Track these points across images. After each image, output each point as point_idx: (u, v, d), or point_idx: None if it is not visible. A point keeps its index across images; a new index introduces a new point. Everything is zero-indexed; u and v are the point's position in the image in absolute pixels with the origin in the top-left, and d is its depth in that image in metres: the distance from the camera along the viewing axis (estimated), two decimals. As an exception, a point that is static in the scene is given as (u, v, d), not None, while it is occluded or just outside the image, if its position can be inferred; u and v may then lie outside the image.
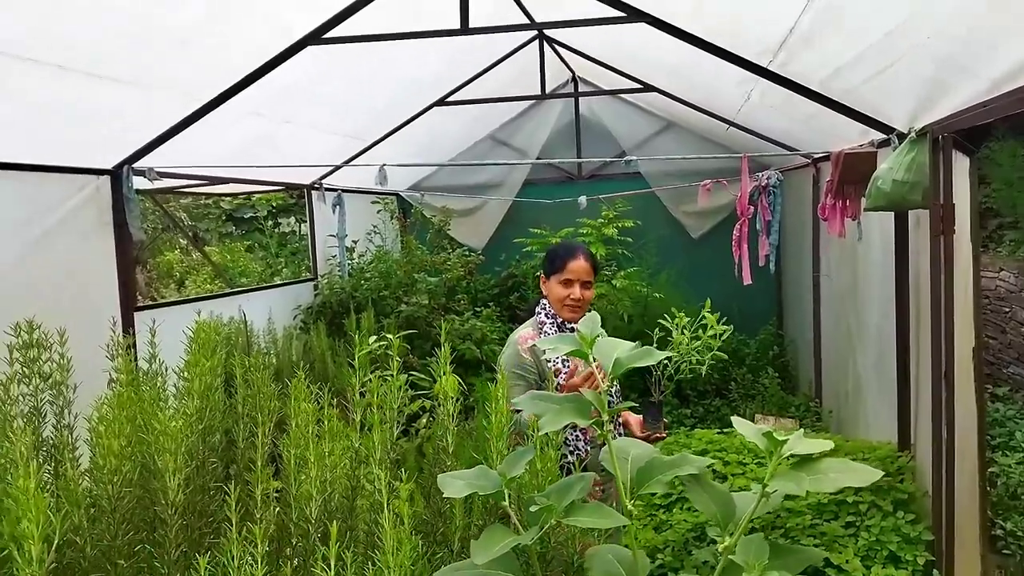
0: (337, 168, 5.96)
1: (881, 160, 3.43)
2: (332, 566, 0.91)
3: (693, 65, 4.48)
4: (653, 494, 2.72)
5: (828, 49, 3.16)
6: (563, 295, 2.82)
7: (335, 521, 0.96)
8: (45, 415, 1.42)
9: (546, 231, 7.00)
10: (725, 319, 2.45)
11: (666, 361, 2.01)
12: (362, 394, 1.41)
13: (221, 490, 1.27)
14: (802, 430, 1.09)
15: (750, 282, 5.14)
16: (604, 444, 2.72)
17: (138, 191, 4.13)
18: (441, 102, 5.94)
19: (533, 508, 1.07)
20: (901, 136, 3.27)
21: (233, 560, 0.98)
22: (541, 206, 7.14)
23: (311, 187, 6.16)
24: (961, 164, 3.19)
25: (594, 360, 2.34)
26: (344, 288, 5.99)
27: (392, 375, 1.60)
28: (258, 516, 1.14)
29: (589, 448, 2.68)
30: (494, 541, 1.07)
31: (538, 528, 1.06)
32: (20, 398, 1.25)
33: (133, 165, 4.03)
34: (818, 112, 3.71)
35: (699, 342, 2.32)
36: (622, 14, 3.56)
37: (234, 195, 9.77)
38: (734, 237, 5.08)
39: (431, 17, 3.76)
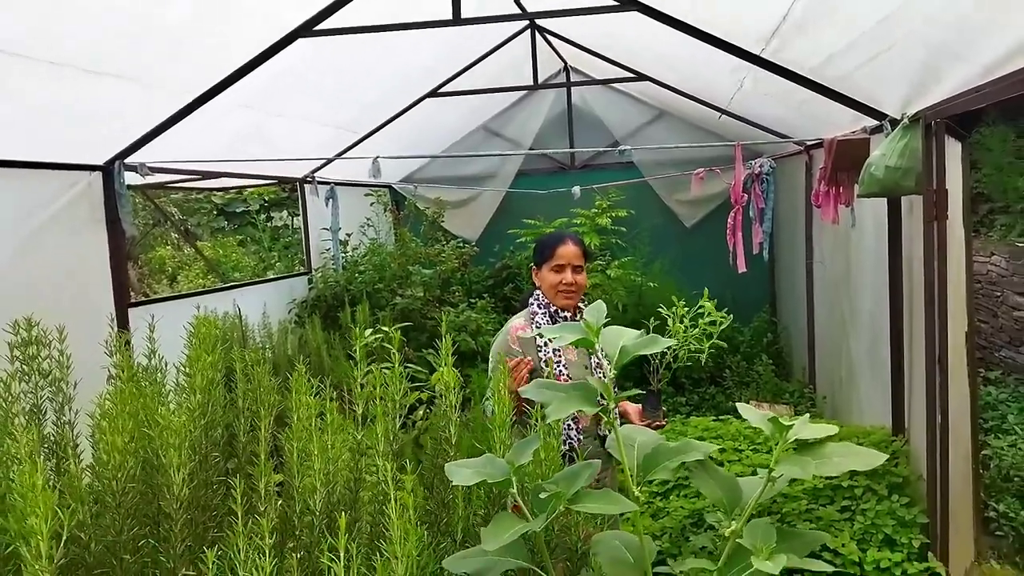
0: (329, 161, 5.94)
1: (874, 146, 3.45)
2: (341, 557, 0.92)
3: (685, 54, 4.48)
4: (651, 481, 2.74)
5: (821, 36, 3.16)
6: (555, 281, 2.83)
7: (343, 513, 0.96)
8: (45, 412, 1.42)
9: (540, 222, 7.00)
10: (720, 307, 2.46)
11: (664, 349, 2.01)
12: (362, 386, 1.41)
13: (224, 484, 1.27)
14: (807, 415, 1.10)
15: (745, 270, 5.16)
16: (597, 434, 2.75)
17: (129, 187, 4.11)
18: (433, 93, 5.92)
19: (542, 495, 1.08)
20: (893, 122, 3.29)
21: (240, 553, 0.99)
22: (534, 197, 7.14)
23: (304, 180, 6.14)
24: (953, 149, 3.21)
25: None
26: (338, 281, 5.98)
27: (392, 367, 1.60)
28: (263, 509, 1.14)
29: (582, 438, 2.69)
30: (504, 528, 1.07)
31: (546, 515, 1.07)
32: (21, 396, 1.24)
33: (124, 160, 4.00)
34: (810, 99, 3.72)
35: (696, 330, 2.32)
36: (614, 2, 3.56)
37: (225, 189, 9.72)
38: (728, 225, 5.09)
39: (422, 7, 3.75)
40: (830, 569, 1.13)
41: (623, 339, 1.20)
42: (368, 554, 1.08)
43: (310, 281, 6.23)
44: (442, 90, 5.94)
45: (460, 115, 7.09)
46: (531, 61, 5.66)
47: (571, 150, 7.20)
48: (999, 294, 6.46)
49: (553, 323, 2.85)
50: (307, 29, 3.64)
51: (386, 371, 1.46)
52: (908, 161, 3.06)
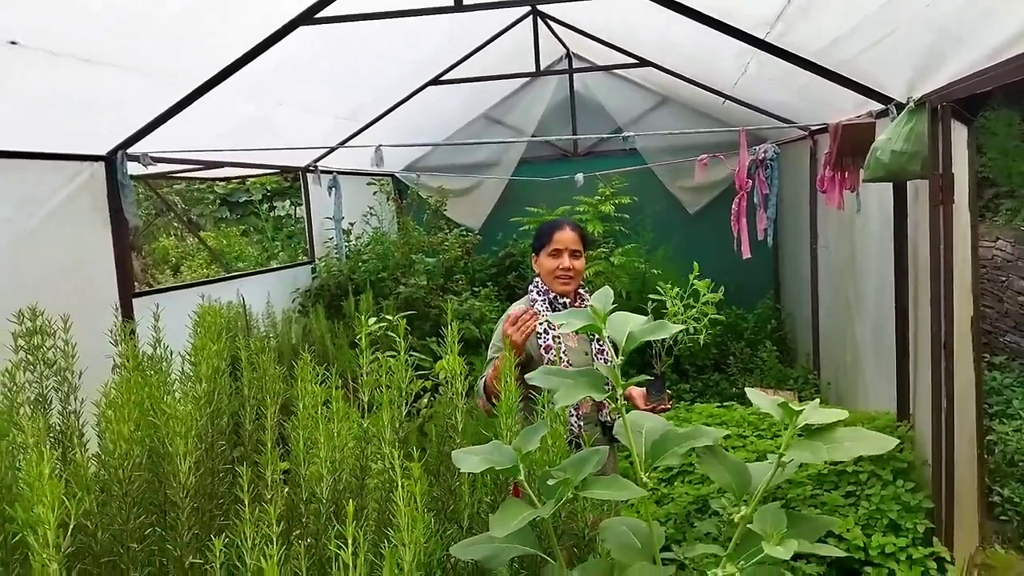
0: (332, 150, 5.93)
1: (879, 131, 3.42)
2: (349, 544, 0.92)
3: (689, 39, 4.45)
4: (656, 467, 2.74)
5: (825, 20, 3.13)
6: (553, 266, 2.83)
7: (350, 500, 0.96)
8: (51, 401, 1.42)
9: (543, 209, 6.98)
10: (723, 293, 2.46)
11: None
12: (366, 374, 1.41)
13: (230, 472, 1.27)
14: (817, 400, 1.10)
15: (749, 256, 5.14)
16: (598, 420, 2.75)
17: (132, 177, 4.11)
18: (435, 81, 5.89)
19: (550, 482, 1.08)
20: (899, 106, 3.26)
21: (247, 541, 0.99)
22: (537, 184, 7.11)
23: (306, 170, 6.13)
24: (959, 133, 3.18)
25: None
26: (342, 271, 5.98)
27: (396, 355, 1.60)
28: (269, 496, 1.14)
29: (582, 424, 2.69)
30: (512, 515, 1.07)
31: (555, 501, 1.07)
32: (26, 385, 1.24)
33: (127, 151, 3.99)
34: (814, 83, 3.69)
35: (693, 310, 2.32)
36: (617, -13, 3.53)
37: (228, 179, 9.71)
38: (733, 212, 5.07)
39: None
40: (840, 553, 1.13)
41: (630, 325, 1.19)
42: (376, 541, 1.09)
43: (314, 270, 6.23)
44: (444, 78, 5.91)
45: (462, 103, 7.05)
46: (533, 48, 5.63)
47: (574, 137, 7.17)
48: (1004, 279, 6.44)
49: (552, 309, 2.84)
50: (308, 17, 3.62)
51: (391, 359, 1.46)
52: (914, 145, 3.04)
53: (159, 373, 1.39)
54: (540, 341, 2.75)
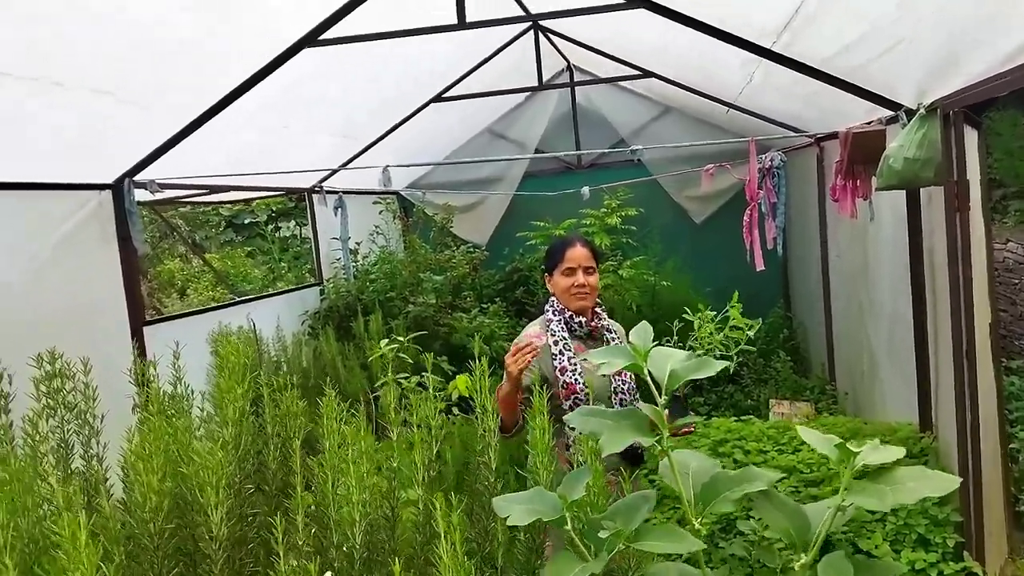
0: (334, 172, 5.92)
1: (890, 137, 3.39)
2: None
3: (692, 49, 4.43)
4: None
5: (833, 28, 3.11)
6: (567, 284, 2.81)
7: (396, 560, 0.93)
8: (72, 445, 1.39)
9: (548, 223, 6.96)
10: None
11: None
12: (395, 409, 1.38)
13: (257, 516, 1.24)
14: (877, 440, 1.06)
15: (763, 268, 5.09)
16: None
17: (137, 203, 4.09)
18: (438, 98, 5.88)
19: (603, 534, 1.04)
20: (909, 112, 3.23)
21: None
22: (542, 198, 7.09)
23: (312, 191, 6.12)
24: (970, 138, 3.15)
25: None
26: (350, 291, 5.96)
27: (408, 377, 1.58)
28: (301, 544, 1.11)
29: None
30: (564, 571, 1.03)
31: (607, 554, 1.03)
32: (49, 434, 1.21)
33: (134, 178, 3.99)
34: (821, 90, 3.67)
35: (721, 335, 2.29)
36: (620, 0, 3.52)
37: (233, 202, 9.72)
38: (744, 223, 5.03)
39: (424, 12, 3.72)
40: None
41: (671, 363, 1.15)
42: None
43: (322, 292, 6.21)
44: (447, 95, 5.91)
45: (464, 119, 7.05)
46: (535, 62, 5.62)
47: (578, 152, 7.16)
48: (1016, 281, 6.39)
49: (568, 329, 2.82)
50: (312, 39, 3.62)
51: (418, 390, 1.43)
52: (927, 152, 3.01)
53: (182, 416, 1.36)
54: (555, 363, 2.71)
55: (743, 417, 4.40)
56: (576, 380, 2.68)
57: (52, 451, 1.18)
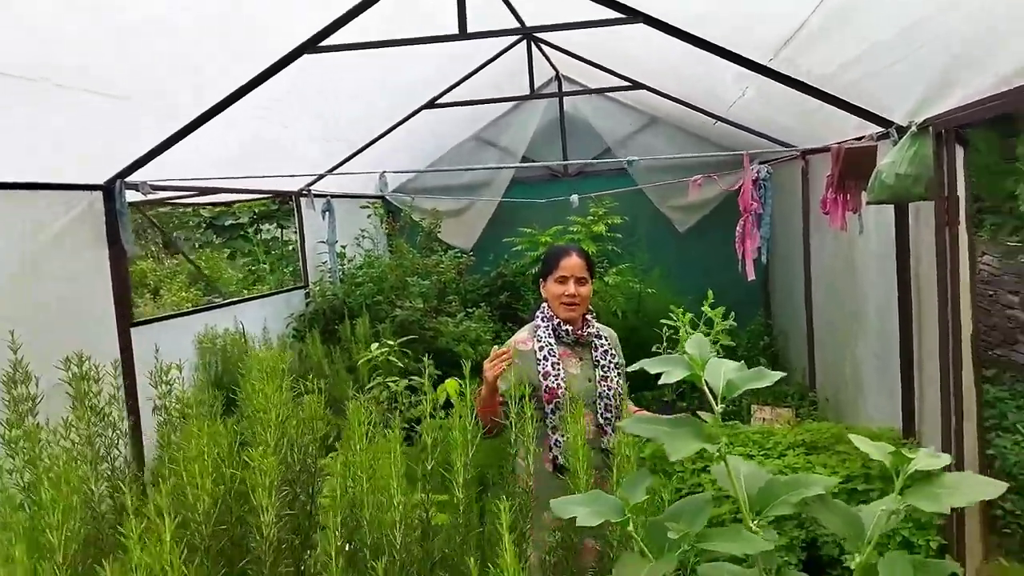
0: (322, 176, 5.92)
1: (880, 153, 3.48)
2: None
3: (684, 63, 4.50)
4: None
5: (833, 46, 3.19)
6: (559, 292, 2.89)
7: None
8: (99, 448, 1.39)
9: (535, 229, 7.00)
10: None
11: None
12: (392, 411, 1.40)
13: (294, 518, 1.25)
14: (932, 448, 1.11)
15: (754, 278, 5.18)
16: (600, 447, 2.74)
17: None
18: (430, 105, 5.90)
19: (671, 535, 1.07)
20: (900, 129, 3.32)
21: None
22: (529, 204, 7.13)
23: (299, 194, 6.09)
24: (958, 155, 3.25)
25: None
26: (337, 295, 5.94)
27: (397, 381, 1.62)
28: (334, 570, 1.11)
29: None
30: (633, 571, 1.06)
31: (675, 556, 1.06)
32: (86, 436, 1.22)
33: (125, 180, 3.95)
34: (812, 105, 3.75)
35: (709, 337, 2.35)
36: (620, 15, 3.56)
37: (219, 204, 9.63)
38: (737, 234, 5.12)
39: (421, 20, 3.74)
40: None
41: (726, 373, 1.19)
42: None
43: (308, 295, 6.18)
44: (439, 102, 5.93)
45: (453, 125, 7.07)
46: (527, 72, 5.67)
47: (566, 162, 7.21)
48: (991, 293, 6.56)
49: (555, 336, 2.89)
50: (312, 45, 3.62)
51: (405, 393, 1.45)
52: (918, 168, 3.09)
53: (209, 420, 1.36)
54: (539, 368, 2.78)
55: (728, 422, 4.47)
56: (558, 385, 2.74)
57: (93, 453, 1.19)
